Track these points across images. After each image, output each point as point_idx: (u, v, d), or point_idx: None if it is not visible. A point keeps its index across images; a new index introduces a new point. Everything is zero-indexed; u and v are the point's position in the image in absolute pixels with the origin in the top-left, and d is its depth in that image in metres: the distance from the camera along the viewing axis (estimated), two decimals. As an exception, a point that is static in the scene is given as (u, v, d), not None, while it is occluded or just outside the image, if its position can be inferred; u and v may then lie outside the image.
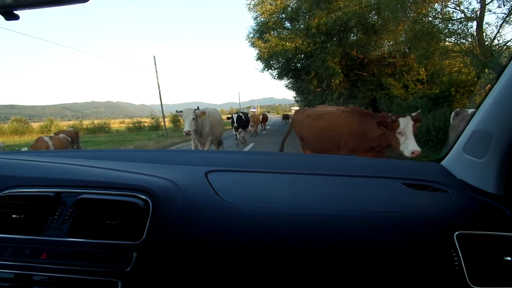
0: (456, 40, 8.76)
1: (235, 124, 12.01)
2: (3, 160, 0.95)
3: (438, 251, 0.64)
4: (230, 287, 0.64)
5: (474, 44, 8.39)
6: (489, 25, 9.11)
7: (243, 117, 12.03)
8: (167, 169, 0.96)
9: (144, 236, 0.69)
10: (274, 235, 0.68)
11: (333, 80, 14.22)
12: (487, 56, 7.52)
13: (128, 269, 0.65)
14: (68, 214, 0.75)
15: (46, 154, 1.20)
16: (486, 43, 8.17)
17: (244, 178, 0.96)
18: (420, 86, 12.29)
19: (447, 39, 9.08)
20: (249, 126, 13.87)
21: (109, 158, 1.12)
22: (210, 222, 0.70)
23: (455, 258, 0.63)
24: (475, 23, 8.41)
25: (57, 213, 0.75)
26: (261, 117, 21.78)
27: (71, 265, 0.67)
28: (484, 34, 8.36)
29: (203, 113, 5.59)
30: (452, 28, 8.81)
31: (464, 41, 8.63)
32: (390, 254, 0.65)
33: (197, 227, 0.69)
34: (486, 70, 7.61)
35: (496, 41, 8.35)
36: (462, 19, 8.74)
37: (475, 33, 8.38)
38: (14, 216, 0.75)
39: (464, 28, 8.61)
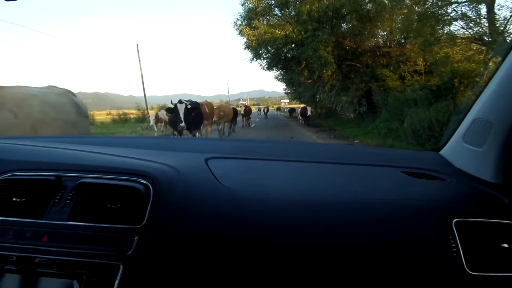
0: (465, 24, 7.92)
1: (181, 124, 6.89)
2: (4, 144, 0.97)
3: (437, 238, 0.65)
4: (230, 271, 0.65)
5: (483, 29, 7.58)
6: (501, 7, 8.17)
7: (191, 110, 7.13)
8: (168, 155, 0.97)
9: (145, 220, 0.69)
10: (275, 221, 0.69)
11: (325, 71, 13.77)
12: (499, 42, 6.77)
13: (130, 252, 0.66)
14: (69, 198, 0.75)
15: (47, 140, 1.17)
16: (501, 28, 7.33)
17: (244, 165, 0.97)
18: (417, 77, 11.92)
19: (453, 23, 8.24)
20: (215, 124, 10.27)
21: (109, 144, 1.12)
22: (211, 207, 0.71)
23: (453, 245, 0.64)
24: (484, 6, 7.56)
25: (57, 197, 0.76)
26: (242, 110, 19.37)
27: (72, 248, 0.68)
28: (497, 17, 7.49)
29: None
30: (459, 10, 7.95)
31: (473, 24, 7.78)
32: (389, 240, 0.66)
33: (197, 211, 0.70)
34: (494, 59, 6.89)
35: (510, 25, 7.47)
36: (469, 2, 7.82)
37: (485, 16, 7.54)
38: (14, 199, 0.76)
39: (473, 10, 7.76)
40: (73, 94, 3.10)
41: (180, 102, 7.03)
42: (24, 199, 0.76)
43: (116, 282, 0.63)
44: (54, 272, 0.67)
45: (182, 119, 6.84)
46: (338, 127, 15.99)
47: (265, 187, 0.79)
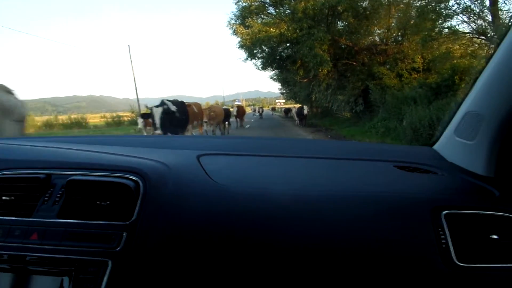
0: (468, 17, 7.63)
1: (156, 131, 6.10)
2: None
3: (426, 230, 0.66)
4: (221, 268, 0.65)
5: (486, 22, 7.30)
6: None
7: (170, 114, 6.17)
8: (159, 152, 0.96)
9: (134, 216, 0.69)
10: (268, 217, 0.69)
11: (320, 70, 13.51)
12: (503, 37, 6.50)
13: (118, 248, 0.66)
14: (58, 195, 0.75)
15: (37, 139, 1.17)
16: (506, 21, 7.06)
17: (236, 161, 0.97)
18: (415, 75, 11.68)
19: (455, 16, 7.94)
20: (205, 125, 9.71)
21: (100, 143, 1.13)
22: (201, 203, 0.71)
23: (443, 237, 0.65)
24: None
25: (47, 195, 0.76)
26: (234, 111, 18.53)
27: (61, 245, 0.68)
28: (501, 10, 7.21)
29: None
30: (462, 3, 7.67)
31: (475, 18, 7.51)
32: (379, 232, 0.66)
33: (187, 208, 0.70)
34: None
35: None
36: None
37: (489, 9, 7.26)
38: (4, 198, 0.76)
39: (476, 4, 7.48)
40: (7, 91, 2.22)
41: (162, 104, 6.21)
42: (13, 198, 0.76)
43: (105, 278, 0.63)
44: (45, 270, 0.66)
45: (158, 125, 6.00)
46: (334, 127, 15.75)
47: (258, 183, 0.79)
